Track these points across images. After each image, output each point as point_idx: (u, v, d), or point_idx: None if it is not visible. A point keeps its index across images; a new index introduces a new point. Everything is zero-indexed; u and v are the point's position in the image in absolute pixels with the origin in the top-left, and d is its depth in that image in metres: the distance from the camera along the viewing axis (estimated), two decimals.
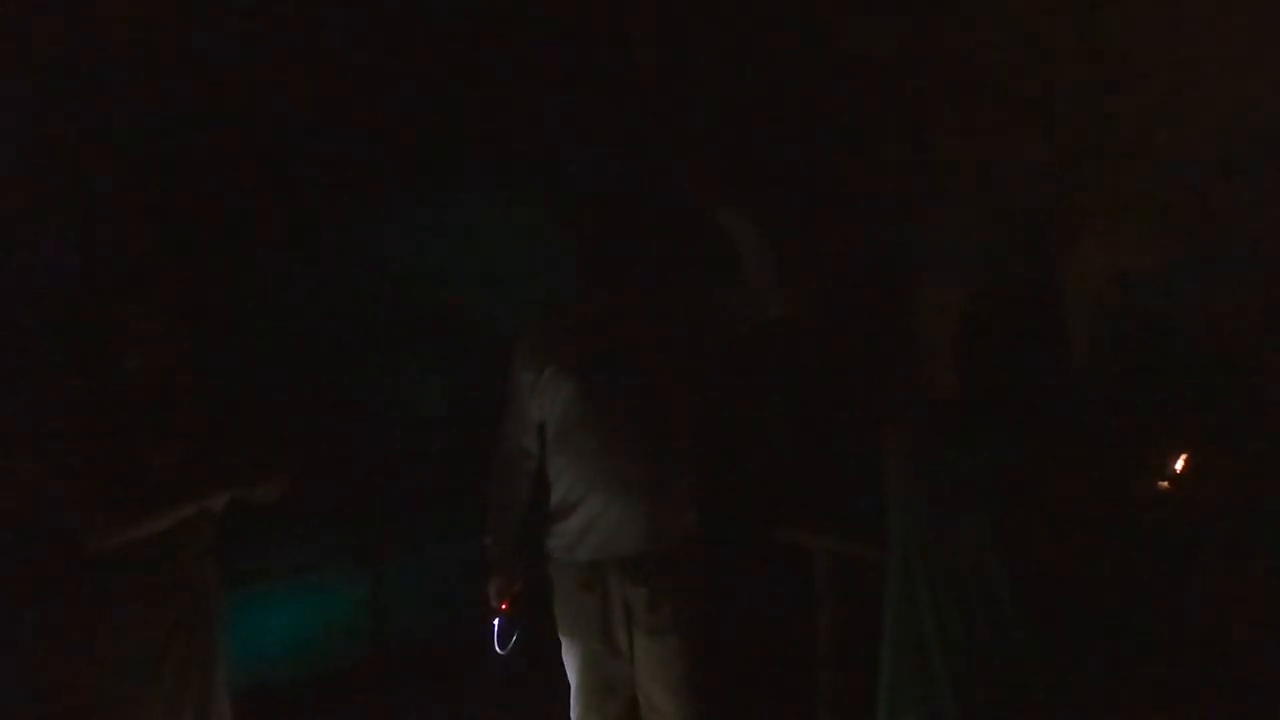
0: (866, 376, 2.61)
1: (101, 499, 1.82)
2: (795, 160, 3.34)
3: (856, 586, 2.28)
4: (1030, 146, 2.85)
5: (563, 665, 2.13)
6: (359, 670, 3.22)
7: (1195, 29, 2.56)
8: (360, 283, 3.46)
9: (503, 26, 3.26)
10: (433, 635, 3.20)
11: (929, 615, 1.58)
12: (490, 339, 3.45)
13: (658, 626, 2.01)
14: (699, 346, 2.07)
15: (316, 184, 3.31)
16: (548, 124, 3.39)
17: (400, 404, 3.57)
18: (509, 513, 2.16)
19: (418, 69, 3.28)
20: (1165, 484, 2.38)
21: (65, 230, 2.68)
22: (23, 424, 1.86)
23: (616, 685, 2.07)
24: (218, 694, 2.02)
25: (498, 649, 2.13)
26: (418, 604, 3.36)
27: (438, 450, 3.55)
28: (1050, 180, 2.84)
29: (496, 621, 2.14)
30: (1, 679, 1.89)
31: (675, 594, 2.02)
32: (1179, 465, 2.40)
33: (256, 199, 3.17)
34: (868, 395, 2.53)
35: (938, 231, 2.91)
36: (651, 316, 2.06)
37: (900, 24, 3.04)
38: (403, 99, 3.32)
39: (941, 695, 1.57)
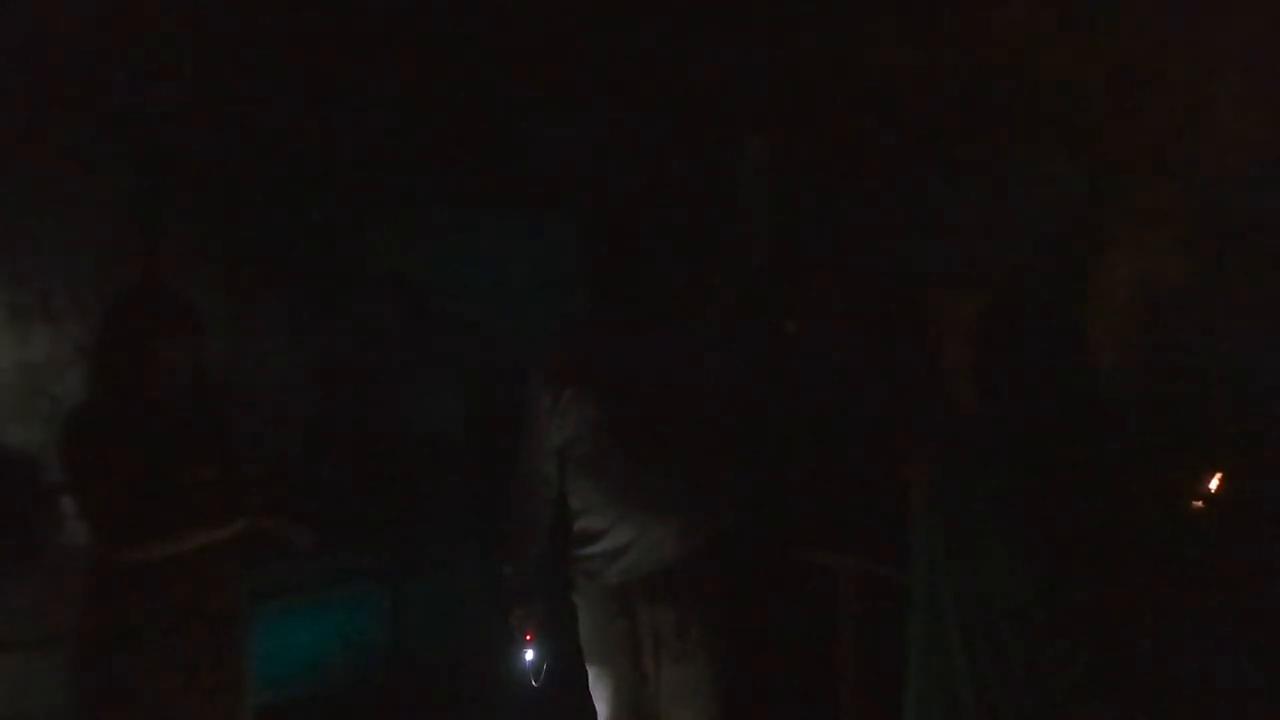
0: (888, 394, 2.58)
1: (130, 518, 1.85)
2: (815, 174, 3.34)
3: (879, 607, 2.24)
4: (1054, 160, 2.83)
5: (586, 690, 2.10)
6: (379, 689, 3.22)
7: (1220, 43, 2.53)
8: (381, 301, 3.49)
9: (522, 44, 3.30)
10: (453, 655, 3.19)
11: (955, 634, 1.56)
12: (512, 358, 3.47)
13: (685, 653, 1.99)
14: (720, 355, 2.09)
15: (342, 208, 3.36)
16: (563, 142, 3.42)
17: (421, 422, 3.59)
18: (529, 540, 2.13)
19: (433, 84, 3.33)
20: (1200, 504, 2.32)
21: (94, 255, 2.74)
22: (55, 447, 1.90)
23: (644, 713, 2.04)
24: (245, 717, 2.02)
25: (532, 682, 2.09)
26: (438, 623, 3.36)
27: (459, 469, 3.56)
28: (1074, 194, 2.81)
29: (527, 653, 2.11)
30: (25, 705, 1.91)
31: (704, 613, 2.00)
32: (1214, 485, 2.34)
33: (278, 219, 3.22)
34: (889, 413, 2.51)
35: (959, 247, 2.89)
36: (668, 331, 2.07)
37: (923, 37, 3.04)
38: (420, 116, 3.37)
39: (967, 715, 1.54)
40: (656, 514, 1.99)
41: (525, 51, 3.29)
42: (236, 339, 2.94)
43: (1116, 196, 2.76)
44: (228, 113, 3.04)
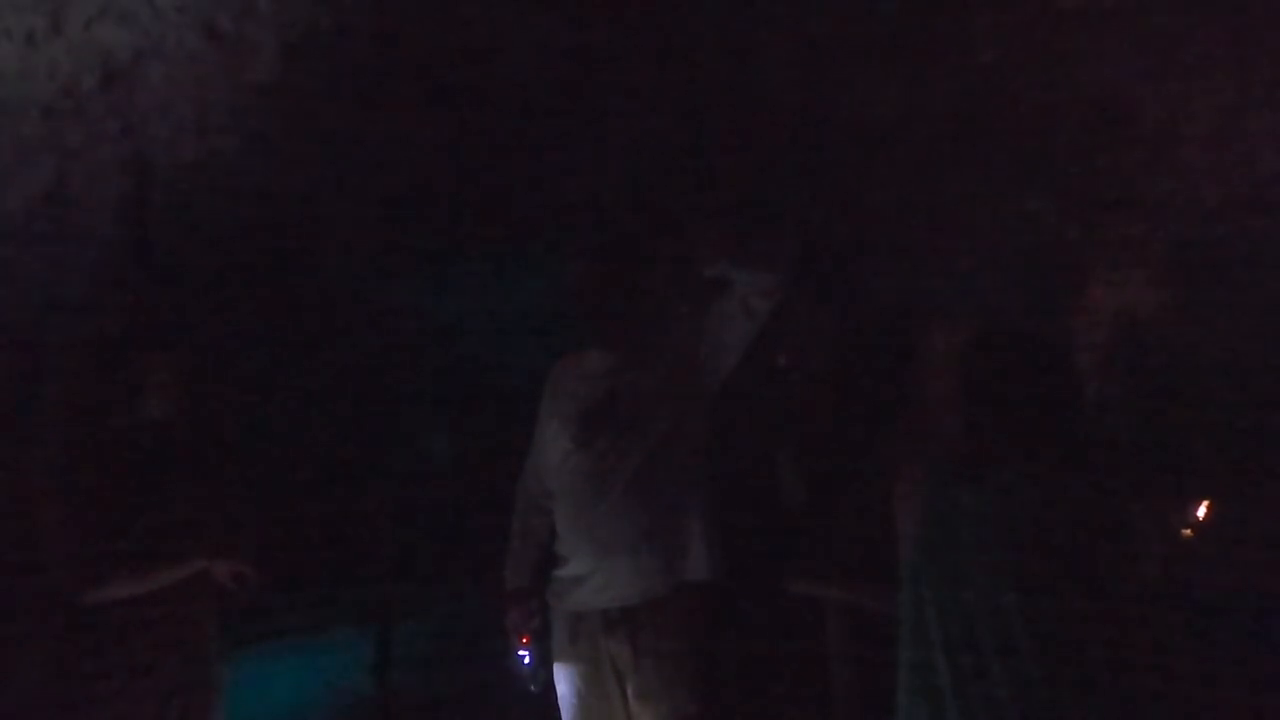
0: (876, 422, 2.60)
1: (96, 551, 1.80)
2: (803, 207, 3.39)
3: (870, 637, 2.22)
4: (1034, 196, 2.89)
5: None
6: None
7: (1195, 80, 2.61)
8: (369, 331, 3.49)
9: (510, 79, 3.35)
10: (438, 698, 3.12)
11: (943, 663, 1.55)
12: (498, 394, 3.46)
13: (646, 688, 1.97)
14: (701, 394, 2.06)
15: (325, 238, 3.37)
16: (552, 178, 3.45)
17: (406, 460, 3.56)
18: (527, 549, 2.17)
19: (426, 125, 3.37)
20: (1188, 532, 2.33)
21: (86, 280, 2.72)
22: (29, 471, 1.86)
23: None
24: None
25: (531, 688, 2.10)
26: (423, 666, 3.29)
27: (445, 508, 3.52)
28: (1055, 228, 2.87)
29: (524, 658, 2.10)
30: None
31: (664, 655, 1.98)
32: (1201, 513, 2.36)
33: (270, 245, 3.22)
34: (878, 441, 2.52)
35: (944, 278, 2.93)
36: (654, 366, 2.06)
37: (900, 69, 3.11)
38: (414, 152, 3.40)
39: None
40: (612, 553, 1.99)
41: (515, 84, 3.35)
42: (219, 366, 2.91)
43: (1094, 232, 2.82)
44: (217, 143, 3.06)
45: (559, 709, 2.10)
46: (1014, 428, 1.57)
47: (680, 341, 2.10)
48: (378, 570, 3.35)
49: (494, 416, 3.44)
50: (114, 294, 2.18)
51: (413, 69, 3.28)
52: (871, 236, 3.21)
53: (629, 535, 1.97)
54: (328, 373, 3.39)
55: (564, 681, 2.07)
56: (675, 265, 2.20)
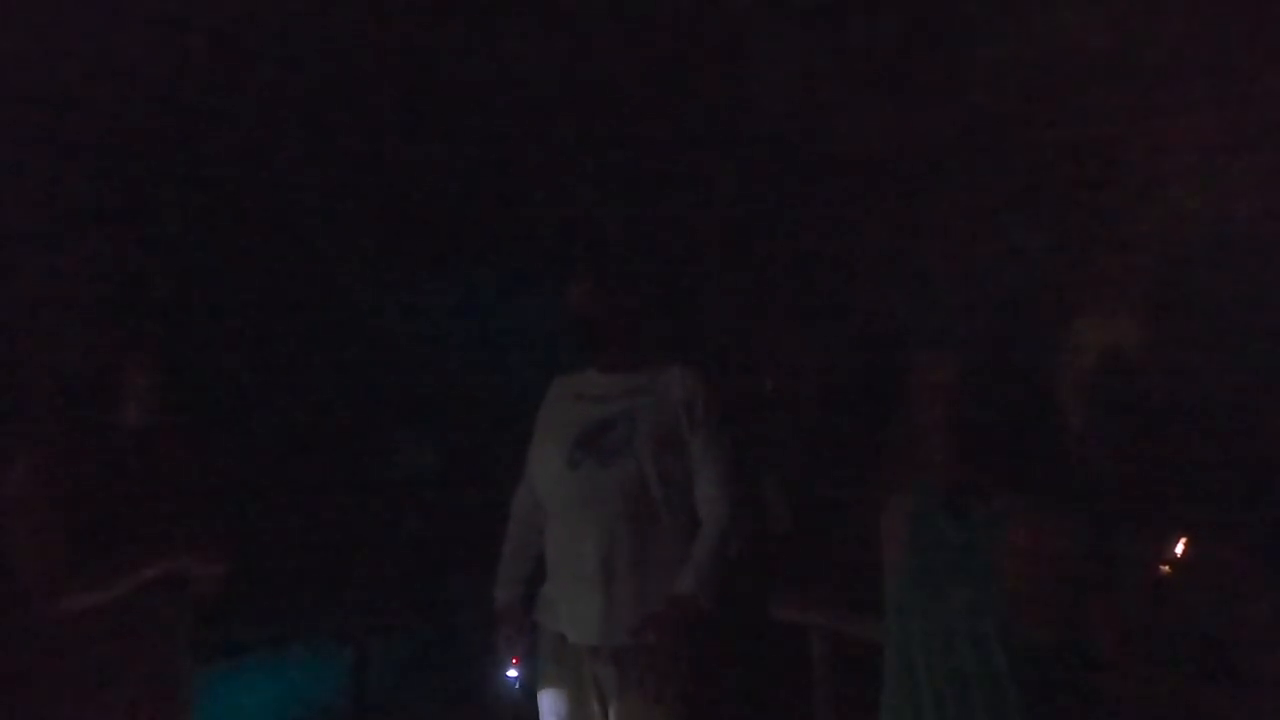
0: (863, 450, 2.61)
1: (70, 557, 1.77)
2: (790, 239, 3.43)
3: (854, 664, 2.22)
4: (1022, 231, 2.93)
5: None
6: None
7: (1177, 122, 2.67)
8: (350, 345, 3.47)
9: (502, 97, 3.37)
10: (415, 713, 3.08)
11: (926, 692, 1.55)
12: (478, 409, 3.46)
13: (628, 708, 1.95)
14: (686, 431, 2.02)
15: (313, 243, 3.35)
16: (547, 199, 3.47)
17: (385, 474, 3.53)
18: (520, 564, 2.14)
19: (423, 128, 3.37)
20: (1166, 568, 2.35)
21: (66, 285, 2.69)
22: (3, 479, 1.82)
23: None
24: None
25: (516, 696, 2.07)
26: (400, 683, 3.25)
27: (423, 522, 3.50)
28: (1041, 264, 2.91)
29: (511, 674, 2.09)
30: None
31: (646, 678, 1.94)
32: (1179, 550, 2.38)
33: (251, 255, 3.21)
34: (864, 469, 2.53)
35: (932, 310, 2.96)
36: (648, 398, 2.03)
37: (895, 105, 3.17)
38: (402, 168, 3.40)
39: None
40: (581, 583, 1.96)
41: (510, 102, 3.36)
42: (204, 379, 2.88)
43: (1081, 267, 2.86)
44: (207, 157, 3.05)
45: None
46: (999, 459, 1.58)
47: (673, 377, 2.07)
48: (354, 584, 3.31)
49: (476, 432, 3.43)
50: (93, 305, 2.15)
51: (410, 82, 3.30)
52: (861, 266, 3.25)
53: (604, 569, 1.93)
54: (309, 386, 3.37)
55: (547, 702, 2.03)
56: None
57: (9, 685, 1.78)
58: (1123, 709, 1.56)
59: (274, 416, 3.26)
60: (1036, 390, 1.72)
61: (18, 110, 2.69)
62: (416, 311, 3.56)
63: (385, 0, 3.08)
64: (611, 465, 1.96)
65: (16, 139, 2.68)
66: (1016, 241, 2.94)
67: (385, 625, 3.33)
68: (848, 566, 2.27)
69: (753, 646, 2.55)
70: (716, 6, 3.36)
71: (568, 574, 1.99)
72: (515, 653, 2.10)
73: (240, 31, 3.03)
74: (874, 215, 3.25)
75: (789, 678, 2.45)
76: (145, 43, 2.88)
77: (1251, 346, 2.50)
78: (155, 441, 1.94)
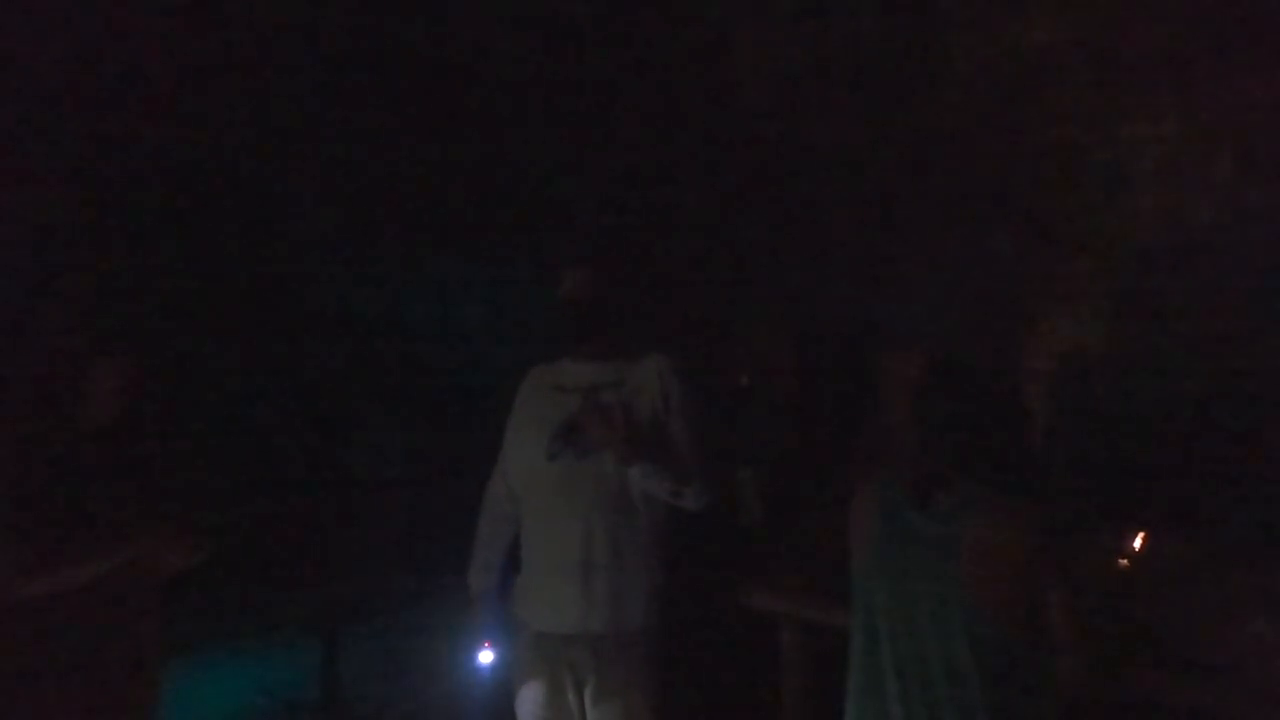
0: (833, 444, 2.65)
1: (39, 545, 1.75)
2: (766, 230, 3.46)
3: (823, 652, 2.26)
4: (989, 234, 2.99)
5: None
6: None
7: (1140, 130, 2.74)
8: (318, 334, 3.45)
9: (490, 83, 3.37)
10: (387, 709, 3.06)
11: (891, 681, 1.58)
12: (453, 399, 3.45)
13: (605, 691, 1.96)
14: (665, 423, 2.03)
15: (284, 231, 3.33)
16: (534, 182, 3.47)
17: (356, 464, 3.51)
18: (492, 552, 2.15)
19: (400, 123, 3.36)
20: (1125, 562, 2.41)
21: (34, 278, 2.66)
22: None
23: None
24: None
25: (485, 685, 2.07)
26: (371, 674, 3.23)
27: (395, 513, 3.48)
28: (1007, 266, 2.97)
29: (484, 660, 2.10)
30: None
31: (620, 668, 1.97)
32: (1137, 544, 2.44)
33: (220, 246, 3.18)
34: (835, 462, 2.57)
35: (901, 308, 3.01)
36: (625, 389, 2.03)
37: (869, 109, 3.21)
38: (380, 151, 3.39)
39: None
40: (561, 573, 1.97)
41: (491, 90, 3.36)
42: (179, 369, 2.86)
43: (1044, 269, 2.93)
44: (183, 144, 3.02)
45: (512, 714, 2.08)
46: (964, 452, 1.61)
47: (649, 368, 2.08)
48: (324, 575, 3.29)
49: (447, 421, 3.42)
50: (62, 304, 2.13)
51: (397, 69, 3.29)
52: (834, 264, 3.29)
53: (584, 560, 1.94)
54: (280, 379, 3.34)
55: (525, 693, 2.04)
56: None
57: None
58: (1080, 698, 1.60)
59: (244, 410, 3.24)
60: (1001, 386, 1.75)
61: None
62: (389, 302, 3.54)
63: None
64: (589, 458, 1.97)
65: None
66: (985, 242, 3.00)
67: (355, 616, 3.32)
68: (817, 557, 2.31)
69: (724, 635, 2.58)
70: (701, 6, 3.39)
71: (546, 565, 2.00)
72: (487, 639, 2.11)
73: (221, 17, 3.01)
74: (847, 214, 3.29)
75: (759, 665, 2.48)
76: (116, 30, 2.85)
77: (1212, 346, 2.58)
78: (124, 437, 1.92)
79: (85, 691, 1.79)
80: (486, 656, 2.13)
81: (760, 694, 2.47)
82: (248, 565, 2.77)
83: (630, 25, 3.48)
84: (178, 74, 3.00)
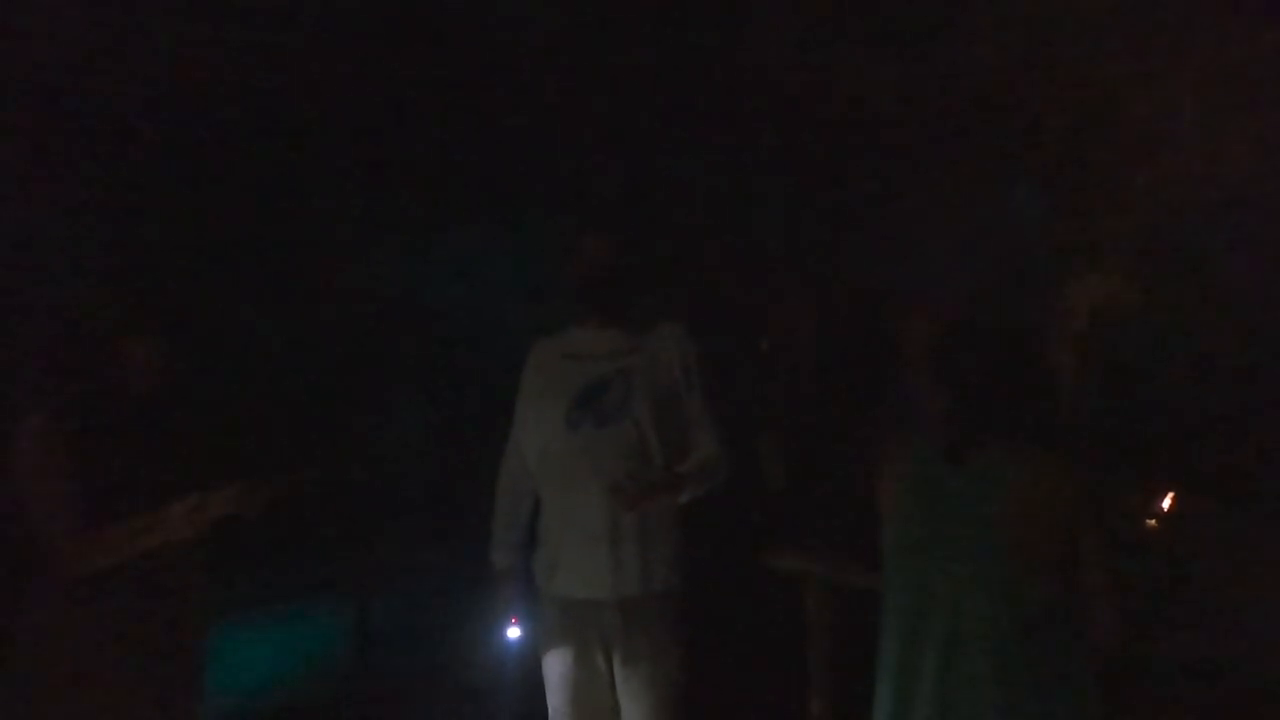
0: (858, 401, 2.64)
1: (83, 529, 1.79)
2: (785, 192, 3.42)
3: (849, 613, 2.27)
4: (1017, 188, 2.94)
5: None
6: (340, 704, 3.14)
7: (1174, 83, 2.66)
8: (349, 305, 3.47)
9: (500, 48, 3.33)
10: (417, 670, 3.13)
11: (928, 641, 1.58)
12: (480, 365, 3.46)
13: (634, 651, 1.98)
14: (683, 391, 2.03)
15: (306, 205, 3.34)
16: (545, 147, 3.45)
17: (387, 432, 3.55)
18: (511, 528, 2.15)
19: (409, 86, 3.35)
20: (1153, 522, 2.40)
21: (65, 255, 2.69)
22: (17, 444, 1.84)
23: (596, 709, 2.03)
24: None
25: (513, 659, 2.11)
26: (405, 639, 3.30)
27: (426, 479, 3.52)
28: (1036, 221, 2.92)
29: (510, 634, 2.12)
30: None
31: (649, 636, 1.99)
32: (1166, 504, 2.42)
33: (246, 219, 3.20)
34: (860, 419, 2.56)
35: (926, 265, 2.97)
36: (642, 357, 2.03)
37: (895, 66, 3.14)
38: (395, 120, 3.38)
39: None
40: (587, 542, 1.97)
41: (501, 54, 3.33)
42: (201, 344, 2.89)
43: (1075, 226, 2.87)
44: (201, 117, 3.03)
45: (541, 683, 2.10)
46: (993, 411, 1.60)
47: (665, 335, 2.06)
48: (358, 544, 3.34)
49: (473, 389, 3.44)
50: (97, 284, 2.15)
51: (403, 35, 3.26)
52: (856, 223, 3.25)
53: (609, 527, 1.94)
54: (311, 349, 3.37)
55: (553, 662, 2.05)
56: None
57: (32, 642, 1.81)
58: (1114, 653, 1.59)
59: (279, 380, 3.27)
60: (1028, 344, 1.73)
61: (25, 85, 2.67)
62: (417, 271, 3.55)
63: None
64: (609, 425, 1.97)
65: (23, 114, 2.66)
66: (1014, 198, 2.94)
67: (387, 584, 3.38)
68: (841, 519, 2.31)
69: (750, 597, 2.59)
70: None
71: (571, 533, 2.00)
72: (513, 613, 2.13)
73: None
74: (869, 173, 3.24)
75: (786, 627, 2.50)
76: (141, 16, 2.85)
77: (1249, 304, 2.53)
78: (159, 409, 1.95)
79: (134, 653, 1.84)
80: (513, 631, 2.14)
81: (787, 655, 2.50)
82: (284, 535, 2.81)
83: None
84: (201, 50, 3.00)
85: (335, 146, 3.35)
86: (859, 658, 1.75)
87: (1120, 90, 2.77)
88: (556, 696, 2.05)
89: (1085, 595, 1.53)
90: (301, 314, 3.35)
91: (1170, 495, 2.42)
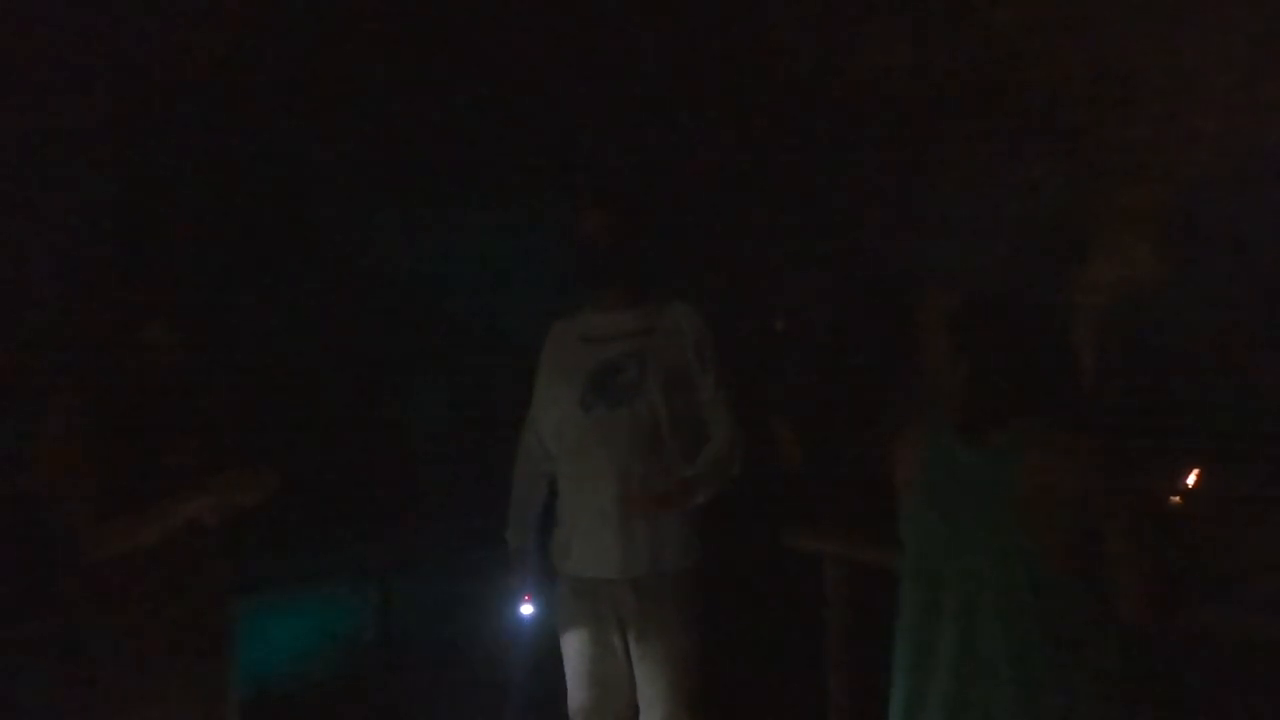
0: (875, 380, 2.63)
1: (107, 502, 1.81)
2: (801, 170, 3.38)
3: (867, 591, 2.27)
4: (1037, 161, 2.89)
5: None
6: (364, 684, 3.19)
7: (1199, 51, 2.60)
8: (367, 290, 3.49)
9: (510, 30, 3.32)
10: (443, 653, 3.18)
11: (944, 621, 1.57)
12: (499, 347, 3.48)
13: (649, 630, 2.00)
14: (696, 373, 2.03)
15: (323, 189, 3.35)
16: (559, 129, 3.43)
17: (409, 414, 3.58)
18: (527, 509, 2.17)
19: (421, 71, 3.34)
20: (1178, 499, 2.37)
21: (77, 238, 2.72)
22: (36, 431, 1.86)
23: (613, 683, 2.05)
24: (229, 714, 1.98)
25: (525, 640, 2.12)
26: (429, 620, 3.35)
27: (447, 462, 3.56)
28: (1057, 195, 2.88)
29: (524, 612, 2.14)
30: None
31: (661, 614, 2.01)
32: (1191, 481, 2.39)
33: (264, 204, 3.22)
34: (876, 398, 2.55)
35: (943, 242, 2.94)
36: (656, 338, 2.02)
37: (911, 41, 3.09)
38: (409, 103, 3.37)
39: (951, 702, 1.56)
40: (599, 521, 1.98)
41: (516, 39, 3.31)
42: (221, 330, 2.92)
43: (1098, 201, 2.82)
44: (217, 104, 3.04)
45: (559, 661, 2.13)
46: (1012, 387, 1.58)
47: (679, 315, 2.06)
48: (381, 524, 3.39)
49: (492, 369, 3.46)
50: (114, 271, 2.17)
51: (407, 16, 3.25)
52: (872, 201, 3.22)
53: (620, 508, 1.95)
54: (332, 331, 3.40)
55: (571, 640, 2.08)
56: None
57: (61, 623, 1.84)
58: (1139, 633, 1.58)
59: (301, 363, 3.31)
60: (1049, 320, 1.71)
61: (38, 73, 2.69)
62: (440, 256, 3.56)
63: None
64: (623, 407, 1.97)
65: (40, 102, 2.68)
66: (1033, 174, 2.90)
67: (412, 564, 3.42)
68: (859, 497, 2.31)
69: (767, 575, 2.60)
70: None
71: (585, 513, 2.02)
72: (528, 591, 2.15)
73: None
74: (886, 148, 3.20)
75: (802, 605, 2.51)
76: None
77: (1270, 278, 2.48)
78: (177, 393, 1.97)
79: (163, 634, 1.87)
80: (528, 609, 2.17)
81: (805, 633, 2.50)
82: (308, 516, 2.85)
83: None
84: (211, 42, 3.01)
85: (352, 130, 3.36)
86: (876, 636, 1.75)
87: (1142, 61, 2.71)
88: (574, 672, 2.08)
89: (1110, 566, 1.51)
90: (322, 299, 3.38)
91: (1195, 472, 2.39)
